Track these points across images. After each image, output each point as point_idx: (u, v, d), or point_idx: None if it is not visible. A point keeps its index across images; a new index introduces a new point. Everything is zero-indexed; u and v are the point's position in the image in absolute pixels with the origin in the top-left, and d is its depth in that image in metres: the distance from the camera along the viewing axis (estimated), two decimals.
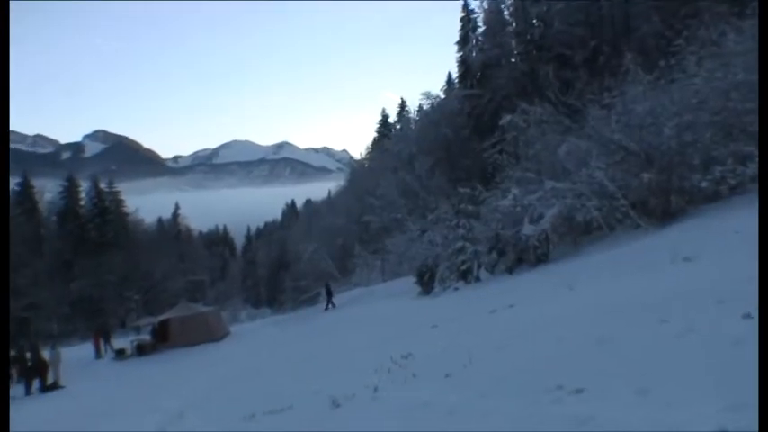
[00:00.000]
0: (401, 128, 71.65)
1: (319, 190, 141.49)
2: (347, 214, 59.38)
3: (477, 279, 23.83)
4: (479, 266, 24.13)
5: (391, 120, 79.26)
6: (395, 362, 9.33)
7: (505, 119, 30.47)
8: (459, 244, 25.14)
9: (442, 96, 59.55)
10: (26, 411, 19.35)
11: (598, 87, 25.15)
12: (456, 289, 23.92)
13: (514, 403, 5.28)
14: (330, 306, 36.12)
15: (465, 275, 24.36)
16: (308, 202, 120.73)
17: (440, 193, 41.82)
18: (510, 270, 22.06)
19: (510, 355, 7.60)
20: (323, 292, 46.18)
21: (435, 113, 55.12)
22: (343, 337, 19.31)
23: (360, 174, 72.61)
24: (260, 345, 25.75)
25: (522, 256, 21.73)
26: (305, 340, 22.72)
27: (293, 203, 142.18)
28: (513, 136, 29.61)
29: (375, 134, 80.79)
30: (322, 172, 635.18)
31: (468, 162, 44.63)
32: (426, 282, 26.62)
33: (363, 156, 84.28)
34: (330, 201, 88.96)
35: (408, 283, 29.45)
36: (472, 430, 4.95)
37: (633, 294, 9.18)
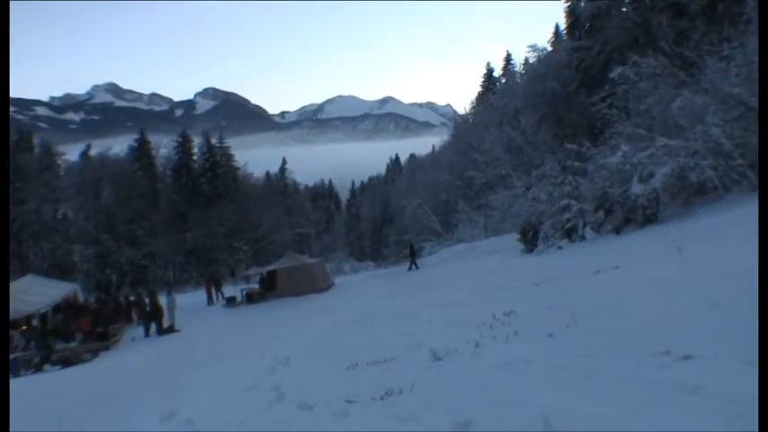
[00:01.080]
0: (506, 82, 70.14)
1: (423, 145, 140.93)
2: (451, 169, 58.94)
3: (582, 238, 23.38)
4: (585, 225, 23.64)
5: (496, 73, 77.89)
6: (497, 318, 9.36)
7: (616, 72, 29.32)
8: (565, 201, 24.68)
9: (549, 49, 57.78)
10: (144, 351, 20.69)
11: (717, 38, 23.86)
12: (560, 247, 23.57)
13: (619, 366, 5.24)
14: (413, 267, 36.06)
15: (569, 234, 23.95)
16: (412, 157, 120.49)
17: (545, 148, 40.96)
18: (617, 230, 21.50)
19: (615, 318, 7.49)
20: (426, 246, 46.49)
21: (542, 66, 53.45)
22: (444, 291, 19.43)
23: (464, 128, 71.67)
24: (363, 297, 26.24)
25: (630, 215, 21.11)
26: (407, 294, 23.00)
27: (397, 158, 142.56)
28: (624, 90, 28.50)
29: (479, 88, 79.57)
30: (426, 126, 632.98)
31: (576, 117, 43.37)
32: (530, 239, 26.35)
33: (467, 110, 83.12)
34: (434, 155, 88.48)
35: (511, 240, 29.22)
36: (575, 391, 4.95)
37: (747, 260, 8.80)
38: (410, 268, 35.76)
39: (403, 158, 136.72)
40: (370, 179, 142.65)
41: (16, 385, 17.80)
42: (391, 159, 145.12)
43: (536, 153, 41.89)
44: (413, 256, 37.11)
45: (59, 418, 9.57)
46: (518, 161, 45.14)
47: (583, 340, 6.65)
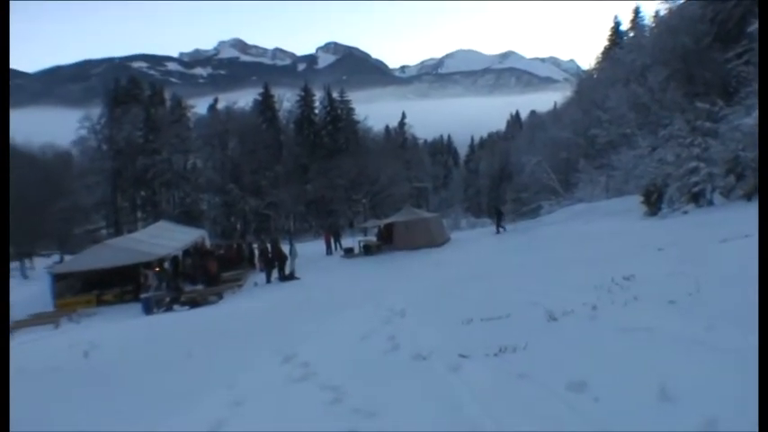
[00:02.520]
0: (634, 36, 67.04)
1: (544, 101, 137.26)
2: (572, 127, 57.33)
3: (710, 203, 22.36)
4: (713, 190, 22.57)
5: (624, 27, 74.63)
6: (616, 282, 9.15)
7: (754, 26, 27.53)
8: (693, 164, 23.61)
9: (681, 1, 54.61)
10: (265, 296, 21.68)
11: None
12: (685, 212, 22.66)
13: (743, 340, 5.08)
14: (501, 230, 36.10)
15: (696, 198, 22.96)
16: (533, 113, 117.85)
17: (674, 107, 39.07)
18: (748, 196, 20.37)
19: (742, 289, 7.19)
20: (545, 205, 45.82)
21: (673, 20, 50.46)
22: (562, 251, 19.19)
23: (587, 85, 69.13)
24: (479, 253, 26.28)
25: None
26: (524, 252, 22.84)
27: (517, 114, 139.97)
28: None
29: (606, 43, 76.63)
30: (548, 82, 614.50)
31: (708, 74, 41.04)
32: (653, 202, 25.45)
33: (592, 66, 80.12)
34: (555, 112, 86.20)
35: (633, 202, 28.31)
36: (696, 362, 4.88)
37: None
38: (498, 231, 35.83)
39: (523, 114, 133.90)
40: (490, 135, 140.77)
41: (150, 321, 19.23)
42: (511, 115, 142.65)
43: (664, 112, 40.04)
44: (498, 218, 37.36)
45: (188, 350, 10.27)
46: (644, 120, 43.32)
47: (706, 310, 6.46)
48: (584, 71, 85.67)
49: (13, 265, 43.63)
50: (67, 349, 13.74)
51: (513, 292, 11.15)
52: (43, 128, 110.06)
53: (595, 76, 71.19)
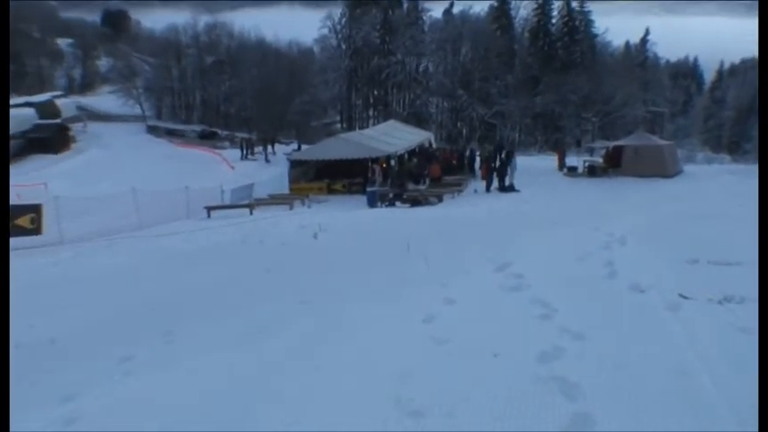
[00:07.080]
0: None
1: None
2: None
3: None
4: None
5: None
6: None
7: None
8: None
9: None
10: (483, 203, 22.02)
11: None
12: None
13: None
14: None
15: None
16: None
17: None
18: None
19: None
20: None
21: None
22: None
23: None
24: (714, 191, 24.54)
25: None
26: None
27: None
28: None
29: None
30: None
31: None
32: None
33: None
34: None
35: None
36: None
37: None
38: None
39: None
40: (743, 61, 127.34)
41: (374, 213, 20.44)
42: None
43: None
44: None
45: (407, 243, 10.81)
46: None
47: None
48: None
49: (258, 149, 48.00)
50: (299, 229, 15.06)
51: (748, 238, 10.30)
52: (290, 25, 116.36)
53: None
